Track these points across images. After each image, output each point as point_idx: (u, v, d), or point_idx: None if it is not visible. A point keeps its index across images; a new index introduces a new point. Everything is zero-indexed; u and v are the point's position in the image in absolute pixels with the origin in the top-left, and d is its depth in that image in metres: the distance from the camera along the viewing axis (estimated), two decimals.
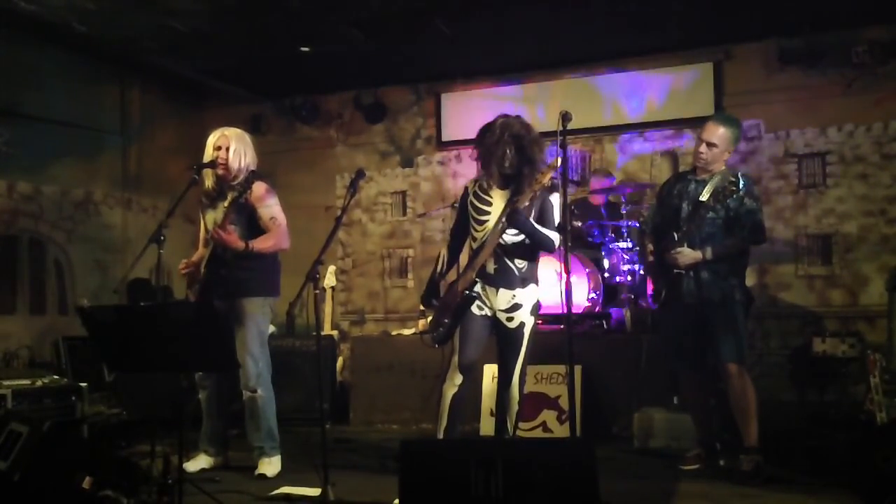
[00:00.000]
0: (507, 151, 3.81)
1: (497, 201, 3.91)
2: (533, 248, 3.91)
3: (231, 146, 4.36)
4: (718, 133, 4.24)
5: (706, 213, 4.15)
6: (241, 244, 4.22)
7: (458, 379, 3.92)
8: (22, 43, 6.67)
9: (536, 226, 3.80)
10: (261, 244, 4.30)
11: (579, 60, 7.35)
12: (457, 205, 4.28)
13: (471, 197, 4.02)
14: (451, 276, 4.13)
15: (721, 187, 4.03)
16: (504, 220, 3.77)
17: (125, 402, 5.49)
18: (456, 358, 3.93)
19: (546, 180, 3.72)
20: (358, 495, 3.81)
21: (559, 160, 3.58)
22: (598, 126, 7.31)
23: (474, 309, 3.92)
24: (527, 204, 3.77)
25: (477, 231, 3.97)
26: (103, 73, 7.59)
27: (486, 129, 3.89)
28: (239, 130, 4.51)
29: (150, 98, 8.10)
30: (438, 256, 4.21)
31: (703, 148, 4.26)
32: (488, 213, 3.93)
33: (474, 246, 3.98)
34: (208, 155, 4.41)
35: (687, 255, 4.15)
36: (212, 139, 4.44)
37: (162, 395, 4.35)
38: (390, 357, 6.18)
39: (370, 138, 8.26)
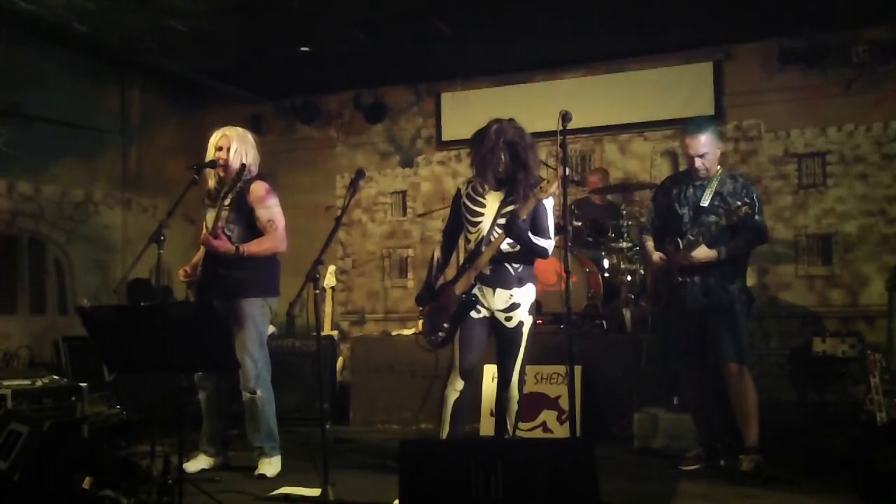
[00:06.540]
0: (502, 158, 3.81)
1: (490, 203, 3.92)
2: (527, 254, 3.91)
3: (232, 146, 4.36)
4: (703, 142, 4.22)
5: (708, 218, 4.16)
6: (230, 248, 4.20)
7: (460, 384, 3.92)
8: (22, 43, 6.68)
9: (532, 237, 3.81)
10: (255, 248, 4.28)
11: (579, 60, 7.36)
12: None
13: (464, 199, 4.02)
14: (445, 276, 4.14)
15: (734, 209, 4.03)
16: (502, 230, 3.78)
17: (125, 402, 5.49)
18: (457, 364, 3.93)
19: (551, 191, 3.72)
20: (358, 495, 3.81)
21: (559, 176, 3.60)
22: (598, 126, 7.31)
23: (472, 312, 3.92)
24: (524, 218, 3.78)
25: (471, 233, 3.98)
26: (103, 73, 7.60)
27: (481, 136, 3.88)
28: (241, 130, 4.50)
29: (150, 98, 8.10)
30: (432, 257, 4.19)
31: (697, 163, 4.25)
32: (482, 214, 3.94)
33: (470, 248, 3.98)
34: (210, 155, 4.40)
35: (703, 253, 4.16)
36: (213, 139, 4.43)
37: (162, 395, 4.35)
38: (390, 357, 6.17)
39: (370, 138, 8.26)
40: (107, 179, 7.71)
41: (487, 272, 3.88)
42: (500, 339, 3.97)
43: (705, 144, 4.22)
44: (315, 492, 3.75)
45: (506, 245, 3.85)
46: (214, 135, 4.45)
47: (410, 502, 2.72)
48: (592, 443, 2.77)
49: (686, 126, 4.38)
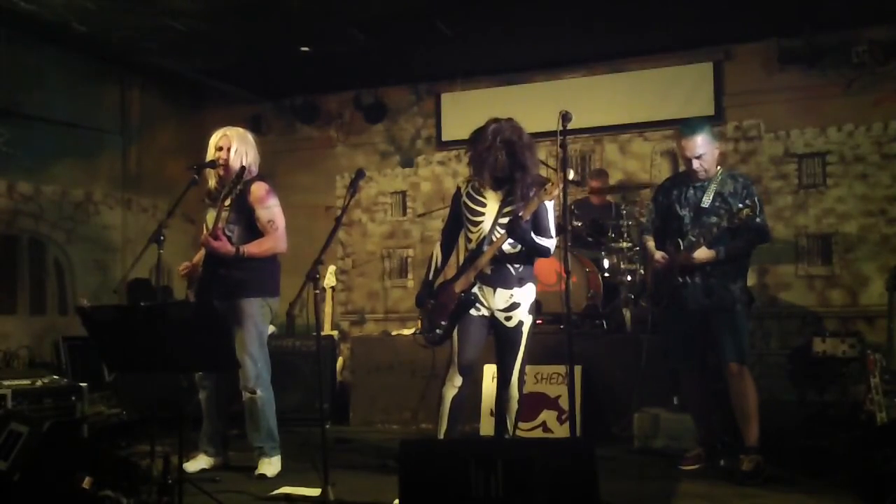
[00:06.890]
0: (499, 157, 3.81)
1: (491, 202, 3.93)
2: (529, 253, 3.92)
3: (233, 146, 4.37)
4: (699, 143, 4.22)
5: (709, 219, 4.16)
6: (231, 249, 4.20)
7: (458, 381, 3.92)
8: (22, 43, 6.67)
9: (534, 236, 3.81)
10: (255, 248, 4.28)
11: (579, 60, 7.36)
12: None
13: (464, 198, 4.03)
14: (445, 275, 4.15)
15: (736, 212, 4.03)
16: (504, 231, 3.78)
17: (125, 402, 5.49)
18: (455, 359, 3.93)
19: (556, 193, 3.72)
20: (358, 495, 3.81)
21: (567, 174, 3.60)
22: (598, 126, 7.30)
23: (472, 310, 3.92)
24: (528, 218, 3.77)
25: (472, 232, 3.99)
26: (103, 73, 7.60)
27: (478, 135, 3.89)
28: (242, 130, 4.51)
29: (150, 98, 8.10)
30: (431, 257, 4.20)
31: (695, 164, 4.25)
32: (482, 213, 3.94)
33: (470, 247, 3.99)
34: (210, 155, 4.41)
35: (703, 253, 4.16)
36: (214, 139, 4.44)
37: (162, 395, 4.35)
38: (390, 357, 6.17)
39: (370, 138, 8.26)
40: (107, 179, 7.70)
41: (488, 272, 3.89)
42: (500, 338, 3.97)
43: (701, 146, 4.22)
44: (315, 492, 3.76)
45: (507, 245, 3.85)
46: (215, 135, 4.46)
47: (410, 502, 2.72)
48: (592, 443, 2.77)
49: (681, 128, 4.37)
